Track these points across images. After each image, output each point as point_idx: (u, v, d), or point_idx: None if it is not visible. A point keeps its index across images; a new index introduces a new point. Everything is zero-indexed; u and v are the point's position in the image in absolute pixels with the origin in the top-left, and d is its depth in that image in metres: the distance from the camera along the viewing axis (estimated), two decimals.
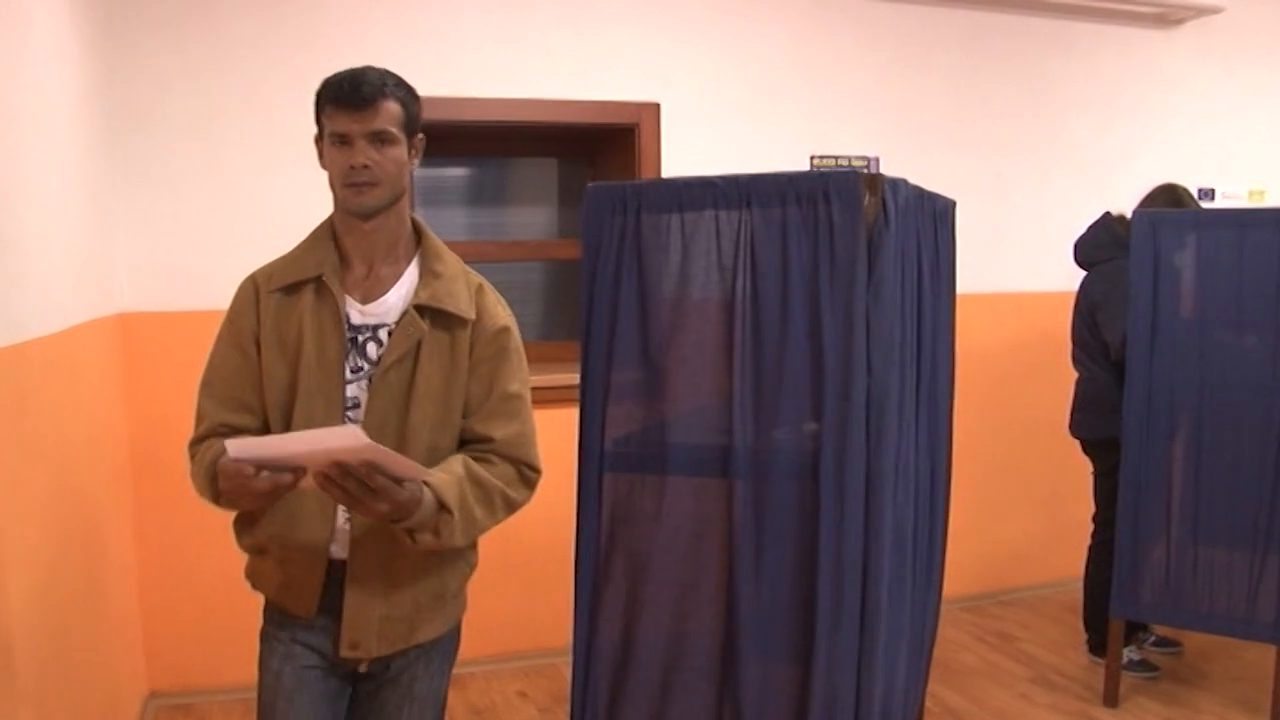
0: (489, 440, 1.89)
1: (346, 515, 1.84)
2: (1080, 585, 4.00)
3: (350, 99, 1.75)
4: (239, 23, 3.58)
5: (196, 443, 1.88)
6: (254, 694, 1.95)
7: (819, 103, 4.32)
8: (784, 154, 4.19)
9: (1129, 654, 3.81)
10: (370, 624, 1.88)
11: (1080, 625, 4.11)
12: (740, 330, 2.04)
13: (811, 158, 4.28)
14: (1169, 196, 3.81)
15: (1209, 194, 5.03)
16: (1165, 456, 3.43)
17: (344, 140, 1.77)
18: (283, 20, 3.62)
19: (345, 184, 1.79)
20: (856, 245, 1.93)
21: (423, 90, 1.93)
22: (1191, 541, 3.38)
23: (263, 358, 1.86)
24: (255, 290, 1.90)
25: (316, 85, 1.83)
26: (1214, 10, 4.91)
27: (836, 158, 4.34)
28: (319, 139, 1.83)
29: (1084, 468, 3.98)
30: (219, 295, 2.09)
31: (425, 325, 1.84)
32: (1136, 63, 4.91)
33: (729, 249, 2.04)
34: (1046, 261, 4.61)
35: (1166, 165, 4.82)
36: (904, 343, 2.17)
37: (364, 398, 1.85)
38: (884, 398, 1.96)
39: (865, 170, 4.33)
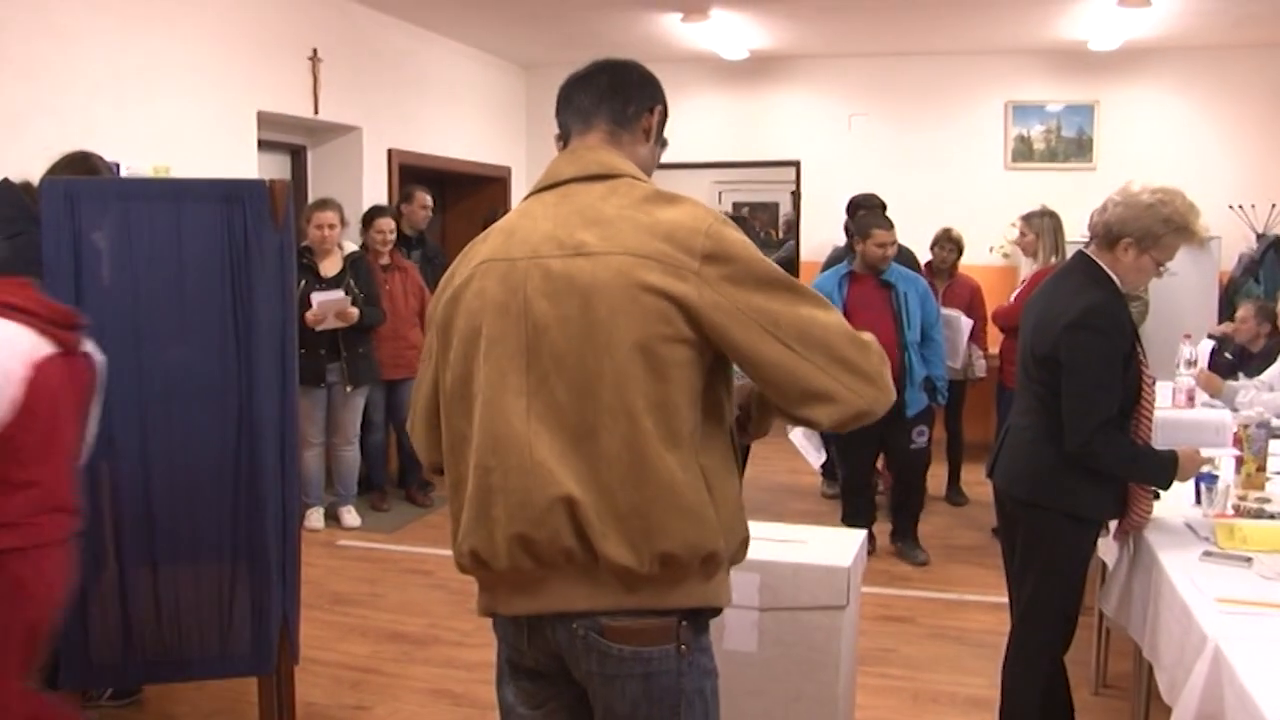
0: None
1: None
2: None
3: None
4: None
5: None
6: None
7: None
8: None
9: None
10: None
11: None
12: None
13: None
14: (84, 165, 3.16)
15: (114, 168, 4.45)
16: (99, 478, 2.76)
17: None
18: None
19: None
20: None
21: None
22: (151, 580, 2.80)
23: None
24: None
25: None
26: None
27: None
28: (657, 128, 1.81)
29: None
30: None
31: None
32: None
33: None
34: None
35: (67, 132, 4.11)
36: None
37: None
38: None
39: None
